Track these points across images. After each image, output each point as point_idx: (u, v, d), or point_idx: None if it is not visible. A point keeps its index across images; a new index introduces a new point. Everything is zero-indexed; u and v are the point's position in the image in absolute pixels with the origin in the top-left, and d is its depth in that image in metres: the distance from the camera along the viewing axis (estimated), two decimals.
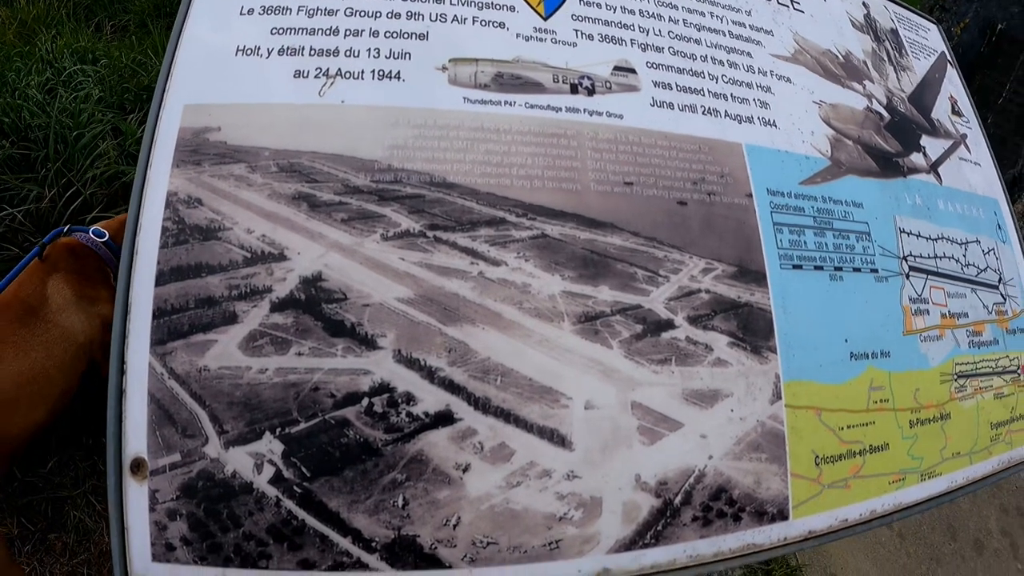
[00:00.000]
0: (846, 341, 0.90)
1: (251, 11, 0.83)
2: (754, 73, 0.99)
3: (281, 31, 0.81)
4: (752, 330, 0.81)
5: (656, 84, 0.88)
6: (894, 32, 1.33)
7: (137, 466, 0.65)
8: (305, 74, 0.78)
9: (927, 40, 1.40)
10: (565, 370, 0.72)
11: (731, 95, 0.94)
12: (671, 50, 0.93)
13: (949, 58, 1.41)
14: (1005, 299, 1.22)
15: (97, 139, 2.04)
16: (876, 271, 0.97)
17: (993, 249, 1.23)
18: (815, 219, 0.92)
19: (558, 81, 0.82)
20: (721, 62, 0.97)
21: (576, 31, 0.88)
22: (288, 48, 0.80)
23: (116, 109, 2.27)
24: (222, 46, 0.80)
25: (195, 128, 0.74)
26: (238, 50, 0.80)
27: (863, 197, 1.00)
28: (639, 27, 0.93)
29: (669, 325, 0.77)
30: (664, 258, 0.78)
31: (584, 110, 0.82)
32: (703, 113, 0.89)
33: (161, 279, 0.68)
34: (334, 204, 0.73)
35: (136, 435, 0.65)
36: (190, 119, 0.75)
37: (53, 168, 1.89)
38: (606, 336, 0.73)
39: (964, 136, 1.30)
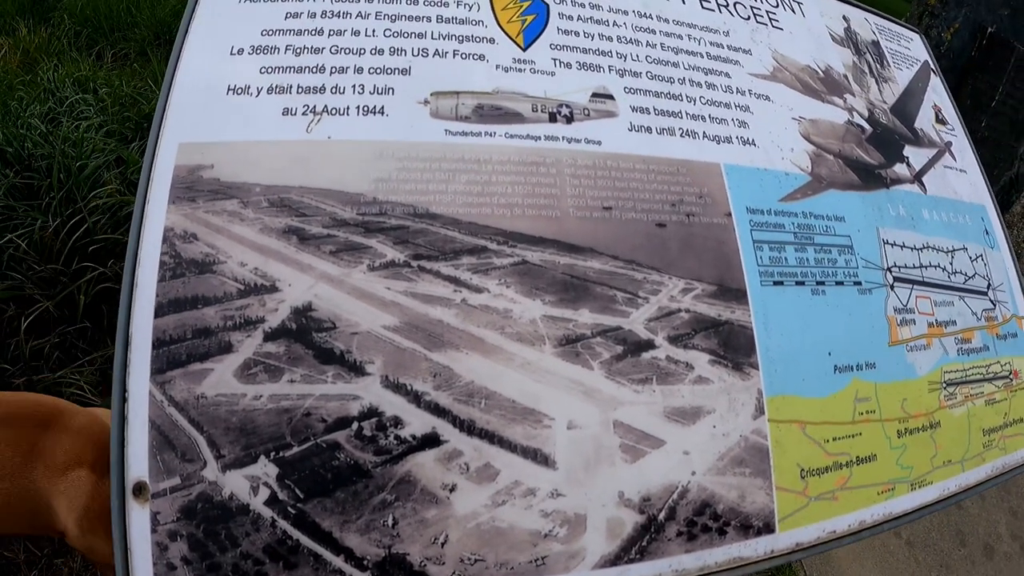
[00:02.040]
0: (829, 354, 0.94)
1: (241, 51, 0.88)
2: (732, 93, 1.03)
3: (270, 70, 0.86)
4: (733, 347, 0.85)
5: (634, 109, 0.93)
6: (875, 44, 1.37)
7: (139, 489, 0.69)
8: (293, 111, 0.83)
9: (909, 50, 1.44)
10: (547, 392, 0.75)
11: (709, 116, 0.98)
12: (649, 74, 0.98)
13: (932, 67, 1.44)
14: (995, 305, 1.25)
15: (100, 169, 2.10)
16: (859, 284, 1.01)
17: (981, 255, 1.26)
18: (796, 235, 0.96)
19: (537, 110, 0.87)
20: (699, 84, 1.01)
21: (555, 60, 0.93)
22: (277, 86, 0.84)
23: (118, 138, 2.33)
24: (214, 85, 0.85)
25: (190, 166, 0.79)
26: (229, 89, 0.84)
27: (845, 211, 1.04)
28: (617, 53, 0.97)
29: (649, 345, 0.80)
30: (643, 280, 0.82)
31: (563, 138, 0.86)
32: (681, 135, 0.93)
33: (160, 311, 0.72)
34: (322, 237, 0.77)
35: (138, 460, 0.69)
36: (185, 157, 0.79)
37: (57, 197, 1.95)
38: (587, 358, 0.77)
39: (949, 144, 1.33)
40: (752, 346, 0.86)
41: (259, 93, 0.84)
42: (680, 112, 0.95)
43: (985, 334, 1.21)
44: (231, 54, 0.88)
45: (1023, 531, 2.42)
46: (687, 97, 0.98)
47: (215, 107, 0.83)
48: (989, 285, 1.25)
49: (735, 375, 0.84)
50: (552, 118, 0.87)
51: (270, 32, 0.89)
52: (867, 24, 1.38)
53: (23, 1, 3.38)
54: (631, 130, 0.90)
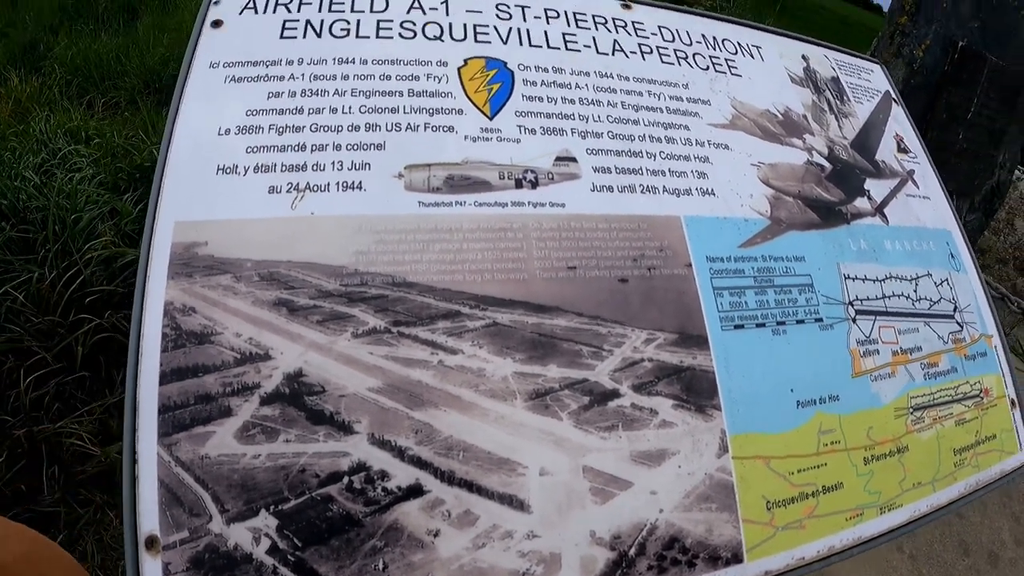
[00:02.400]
0: (792, 391, 1.02)
1: (228, 131, 0.97)
2: (692, 145, 1.12)
3: (255, 149, 0.95)
4: (696, 391, 0.93)
5: (596, 169, 1.02)
6: (835, 80, 1.45)
7: (151, 542, 0.77)
8: (278, 189, 0.92)
9: (870, 82, 1.52)
10: (520, 443, 0.84)
11: (669, 170, 1.07)
12: (610, 134, 1.07)
13: (894, 96, 1.53)
14: (962, 326, 1.32)
15: (94, 221, 2.20)
16: (820, 320, 1.09)
17: (947, 279, 1.34)
18: (755, 279, 1.05)
19: (504, 177, 0.96)
20: (659, 139, 1.10)
21: (520, 127, 1.02)
22: (262, 165, 0.94)
23: (111, 189, 2.44)
24: (204, 165, 0.94)
25: (185, 243, 0.88)
26: (219, 169, 0.93)
27: (805, 250, 1.12)
28: (579, 115, 1.07)
29: (615, 394, 0.89)
30: (607, 333, 0.91)
31: (528, 203, 0.95)
32: (641, 191, 1.02)
33: (164, 379, 0.81)
34: (310, 308, 0.86)
35: (149, 515, 0.78)
36: (181, 235, 0.89)
37: (53, 249, 2.05)
38: (556, 410, 0.86)
39: (911, 172, 1.42)
40: (714, 389, 0.95)
41: (246, 172, 0.93)
42: (640, 169, 1.04)
43: (953, 356, 1.29)
44: (219, 134, 0.97)
45: None
46: (647, 153, 1.07)
47: (206, 186, 0.92)
48: (956, 308, 1.33)
49: (698, 417, 0.92)
50: (518, 184, 0.96)
51: (254, 112, 0.98)
52: (826, 61, 1.47)
53: (14, 50, 3.51)
54: (593, 190, 0.99)
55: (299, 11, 1.10)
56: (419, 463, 0.82)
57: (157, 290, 0.85)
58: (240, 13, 1.10)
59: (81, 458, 1.88)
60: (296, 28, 1.08)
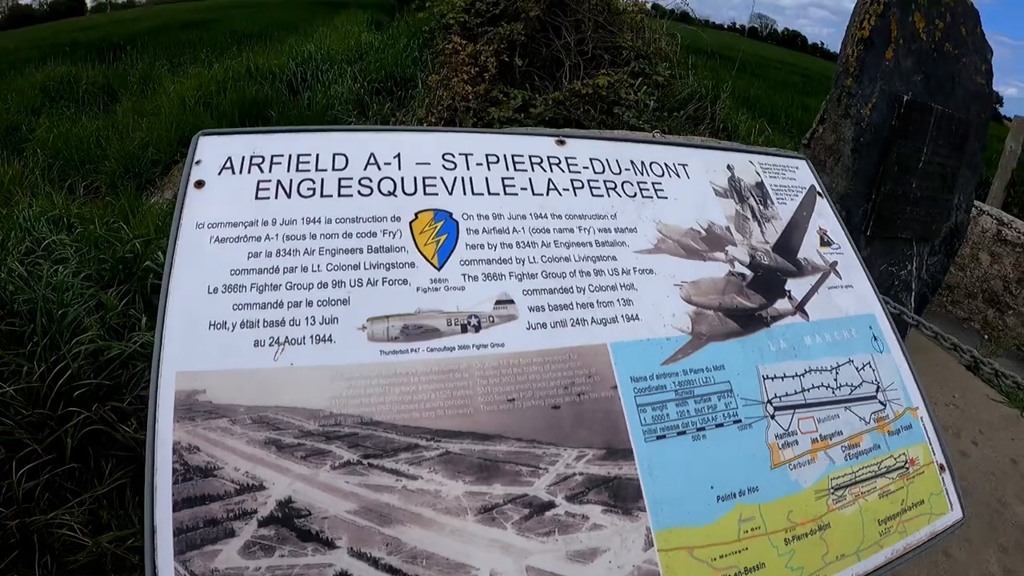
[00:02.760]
0: (712, 488, 1.39)
1: (216, 290, 1.33)
2: (618, 275, 1.51)
3: (240, 306, 1.31)
4: (622, 497, 1.30)
5: (531, 309, 1.40)
6: (759, 185, 1.85)
7: None
8: (262, 343, 1.28)
9: (795, 179, 1.93)
10: (473, 550, 1.20)
11: (597, 302, 1.45)
12: (544, 273, 1.45)
13: (819, 189, 1.93)
14: (885, 405, 1.69)
15: (81, 315, 2.57)
16: (739, 421, 1.46)
17: (869, 363, 1.71)
18: (676, 392, 1.42)
19: (451, 324, 1.33)
20: (588, 272, 1.49)
21: (464, 275, 1.40)
22: (247, 321, 1.30)
23: (95, 280, 2.82)
24: (197, 321, 1.30)
25: (187, 391, 1.24)
26: (210, 325, 1.30)
27: (724, 359, 1.50)
28: (516, 259, 1.45)
29: (551, 505, 1.25)
30: (543, 454, 1.27)
31: (473, 346, 1.33)
32: (572, 325, 1.41)
33: (176, 507, 1.17)
34: (295, 445, 1.22)
35: None
36: (182, 383, 1.24)
37: (42, 344, 2.41)
38: (501, 521, 1.22)
39: (834, 264, 1.80)
40: (639, 493, 1.31)
41: (234, 328, 1.29)
42: (571, 304, 1.43)
43: (875, 434, 1.66)
44: (209, 293, 1.33)
45: (1016, 564, 2.86)
46: (577, 288, 1.46)
47: (201, 340, 1.29)
48: (878, 388, 1.70)
49: (625, 519, 1.28)
50: (464, 329, 1.33)
51: (237, 272, 1.35)
52: (751, 167, 1.87)
53: None
54: (529, 328, 1.37)
55: (271, 171, 1.49)
56: (391, 570, 1.17)
57: (166, 431, 1.21)
58: (219, 173, 1.48)
59: (72, 548, 2.23)
60: (269, 189, 1.46)
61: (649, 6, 10.00)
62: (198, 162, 1.50)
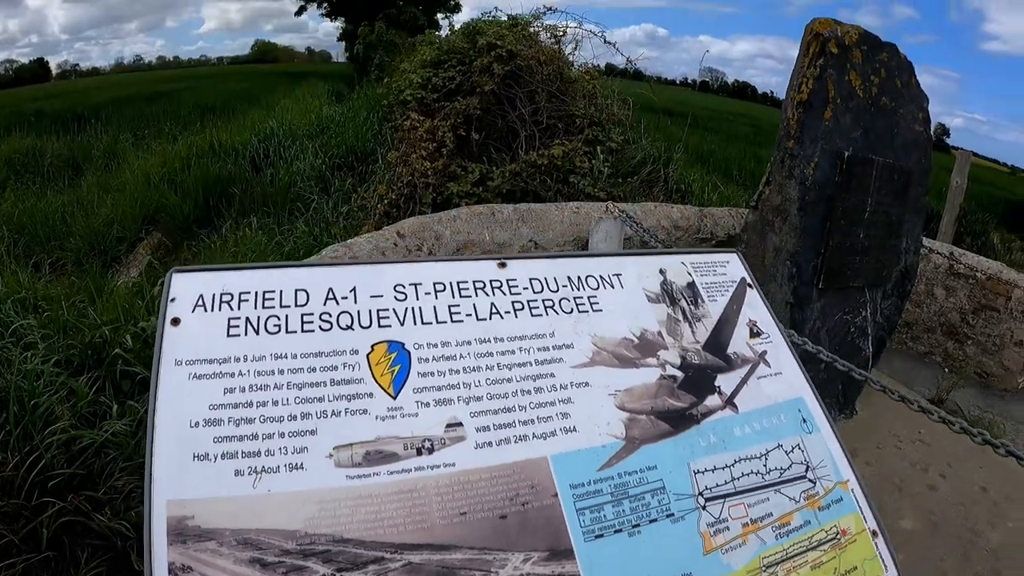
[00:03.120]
0: None
1: (197, 424, 1.58)
2: (557, 390, 1.78)
3: (220, 439, 1.57)
4: None
5: (478, 429, 1.66)
6: (690, 285, 2.14)
7: None
8: (242, 472, 1.53)
9: (726, 273, 2.22)
10: None
11: (537, 417, 1.71)
12: (488, 395, 1.72)
13: (749, 281, 2.23)
14: (815, 482, 1.96)
15: (53, 403, 2.83)
16: (672, 515, 1.72)
17: (798, 445, 1.98)
18: (612, 494, 1.68)
19: (407, 448, 1.60)
20: (528, 391, 1.76)
21: (417, 402, 1.66)
22: (227, 453, 1.55)
23: (64, 366, 3.08)
24: (182, 453, 1.54)
25: (177, 516, 1.48)
26: (194, 456, 1.54)
27: (657, 460, 1.77)
28: (463, 384, 1.72)
29: None
30: (493, 559, 1.54)
31: (427, 467, 1.58)
32: (515, 441, 1.67)
33: None
34: (276, 563, 1.47)
35: None
36: (173, 511, 1.48)
37: (15, 434, 2.67)
38: None
39: (763, 354, 2.09)
40: None
41: (216, 459, 1.55)
42: (514, 422, 1.69)
43: (806, 512, 1.90)
44: (191, 426, 1.58)
45: None
46: (519, 407, 1.72)
47: (187, 470, 1.52)
48: (808, 467, 1.97)
49: None
50: (419, 452, 1.60)
51: (215, 407, 1.60)
52: (683, 268, 2.16)
53: None
54: (477, 448, 1.63)
55: (239, 308, 1.75)
56: None
57: (161, 554, 1.43)
58: (192, 311, 1.74)
59: None
60: (239, 326, 1.72)
61: (603, 66, 10.70)
62: (173, 299, 1.75)
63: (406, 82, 10.02)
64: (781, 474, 1.92)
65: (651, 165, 9.85)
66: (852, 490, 2.00)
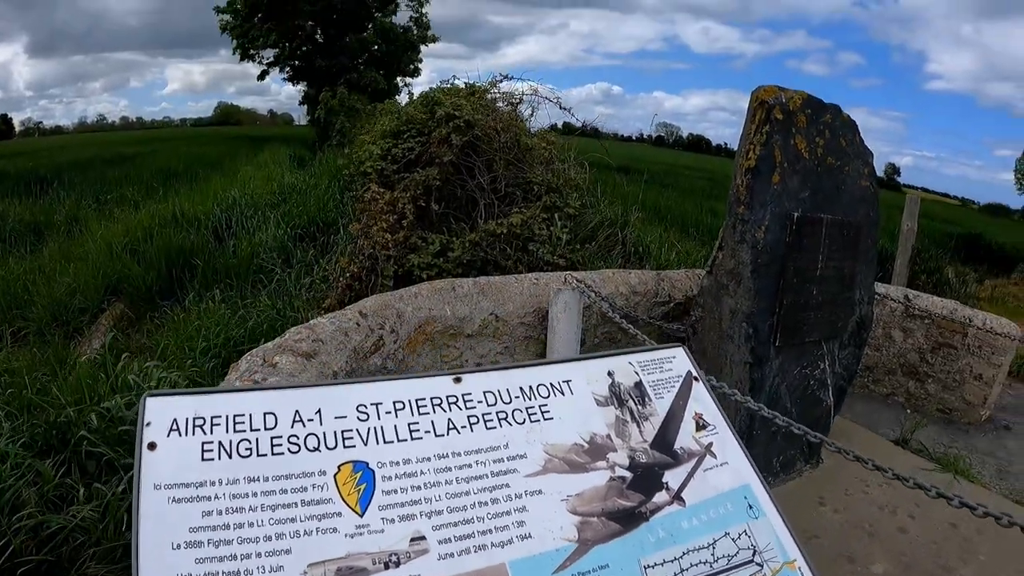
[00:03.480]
0: None
1: (179, 546, 1.78)
2: (512, 500, 2.01)
3: (202, 560, 1.76)
4: None
5: (440, 542, 1.88)
6: (637, 385, 2.42)
7: None
8: None
9: (672, 368, 2.50)
10: None
11: (495, 527, 1.95)
12: (448, 509, 1.95)
13: (695, 374, 2.53)
14: (763, 565, 2.18)
15: (20, 487, 3.05)
16: None
17: (744, 531, 2.22)
18: None
19: (376, 563, 1.83)
20: (485, 502, 1.99)
21: (383, 519, 1.89)
22: (209, 574, 1.80)
23: (28, 447, 3.30)
24: (167, 574, 1.80)
25: None
26: None
27: (608, 559, 2.01)
28: (424, 499, 1.95)
29: None
30: None
31: None
32: (475, 551, 1.90)
33: None
34: None
35: None
36: None
37: None
38: None
39: (709, 446, 2.36)
40: None
41: None
42: (473, 532, 1.91)
43: None
44: (173, 549, 1.79)
45: None
46: (477, 518, 1.95)
47: None
48: (755, 551, 2.21)
49: None
50: (387, 566, 1.83)
51: (195, 529, 1.81)
52: (630, 368, 2.44)
53: None
54: (440, 559, 1.86)
55: (212, 432, 1.99)
56: None
57: None
58: (168, 435, 1.97)
59: None
60: (212, 450, 1.95)
61: (560, 125, 11.23)
62: (148, 424, 1.97)
63: (366, 153, 10.41)
64: (729, 561, 2.17)
65: (608, 228, 10.43)
66: (799, 568, 2.24)
